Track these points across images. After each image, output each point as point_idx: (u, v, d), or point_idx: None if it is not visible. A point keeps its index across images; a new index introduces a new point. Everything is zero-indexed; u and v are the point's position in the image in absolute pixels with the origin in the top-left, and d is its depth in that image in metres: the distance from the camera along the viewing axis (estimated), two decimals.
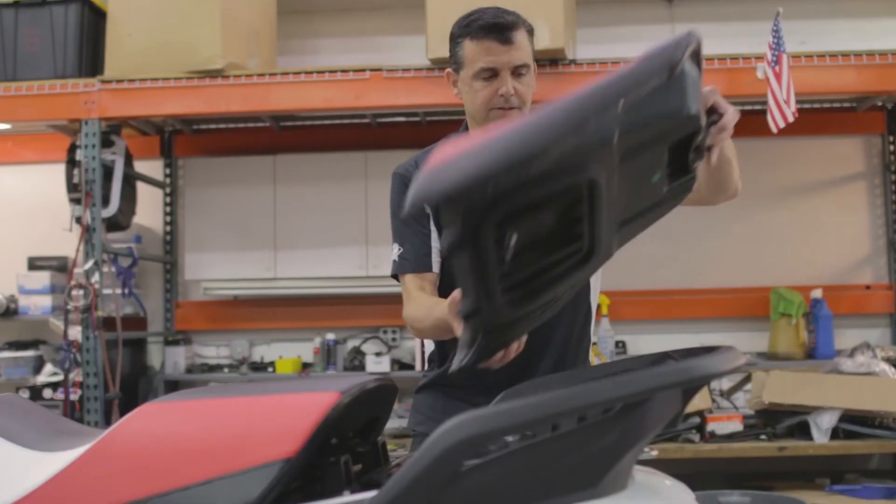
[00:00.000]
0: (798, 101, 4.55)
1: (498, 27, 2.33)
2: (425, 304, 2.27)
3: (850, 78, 4.92)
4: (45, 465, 1.47)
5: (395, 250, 2.45)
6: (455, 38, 2.42)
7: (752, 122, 5.51)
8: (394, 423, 4.65)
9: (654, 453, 1.66)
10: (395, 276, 2.46)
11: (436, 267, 2.41)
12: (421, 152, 2.57)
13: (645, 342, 5.55)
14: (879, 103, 5.74)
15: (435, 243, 2.39)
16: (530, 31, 2.42)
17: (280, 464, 1.35)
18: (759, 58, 4.68)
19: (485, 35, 2.34)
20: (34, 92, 5.07)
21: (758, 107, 5.27)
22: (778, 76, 4.51)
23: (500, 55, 2.33)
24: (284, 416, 1.40)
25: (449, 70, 2.48)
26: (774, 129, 4.56)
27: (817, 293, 5.64)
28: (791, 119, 4.51)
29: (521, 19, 2.39)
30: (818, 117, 5.85)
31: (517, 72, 2.36)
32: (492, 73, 2.35)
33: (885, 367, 5.02)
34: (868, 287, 5.89)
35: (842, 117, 5.92)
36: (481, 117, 2.41)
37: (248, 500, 1.34)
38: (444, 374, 2.46)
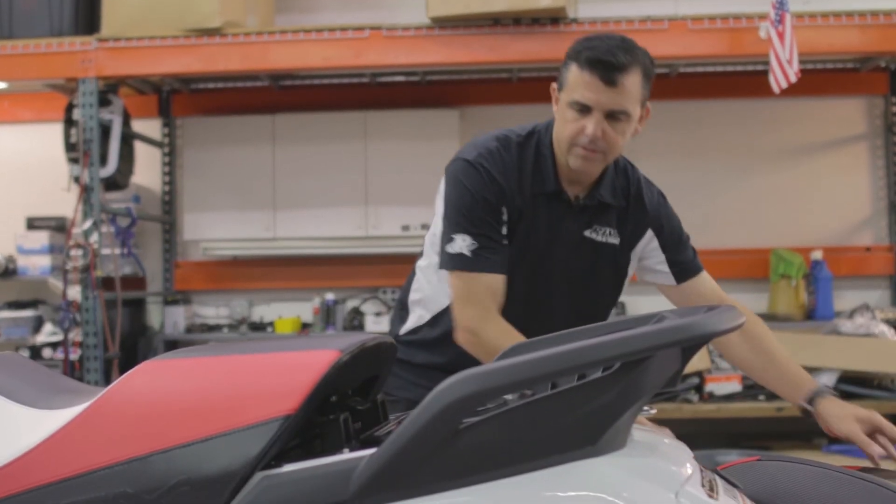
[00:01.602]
0: (800, 62, 4.51)
1: (606, 65, 2.15)
2: (513, 336, 2.11)
3: (853, 38, 4.89)
4: (45, 422, 1.47)
5: (460, 241, 2.24)
6: (567, 57, 2.26)
7: (754, 83, 5.51)
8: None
9: (653, 411, 1.66)
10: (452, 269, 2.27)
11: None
12: (497, 145, 2.33)
13: (644, 303, 5.55)
14: (882, 64, 5.71)
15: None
16: (647, 75, 2.22)
17: (279, 421, 1.34)
18: (762, 17, 4.64)
19: (590, 68, 2.16)
20: (30, 50, 5.04)
21: (760, 67, 5.24)
22: (781, 36, 4.47)
23: (599, 94, 2.17)
24: (284, 373, 1.40)
25: (554, 85, 2.33)
26: (777, 90, 4.53)
27: (817, 255, 5.64)
28: (794, 79, 4.48)
29: (638, 60, 2.19)
30: (820, 78, 5.82)
31: (613, 115, 2.20)
32: (584, 108, 2.20)
33: (884, 328, 5.04)
34: (868, 249, 5.89)
35: (844, 78, 5.89)
36: (564, 147, 2.27)
37: (247, 456, 1.34)
38: (427, 358, 2.43)
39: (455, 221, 2.27)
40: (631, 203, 2.40)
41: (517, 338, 2.10)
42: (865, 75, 5.85)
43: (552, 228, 2.34)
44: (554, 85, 2.33)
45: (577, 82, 2.20)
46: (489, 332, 2.18)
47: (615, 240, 2.38)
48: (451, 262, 2.26)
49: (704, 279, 2.47)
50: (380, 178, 5.65)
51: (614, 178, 2.39)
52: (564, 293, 2.37)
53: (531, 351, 1.50)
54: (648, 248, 2.44)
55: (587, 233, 2.36)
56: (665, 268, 2.44)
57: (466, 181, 2.28)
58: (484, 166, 2.28)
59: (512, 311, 2.22)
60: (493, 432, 1.30)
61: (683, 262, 2.45)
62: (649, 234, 2.42)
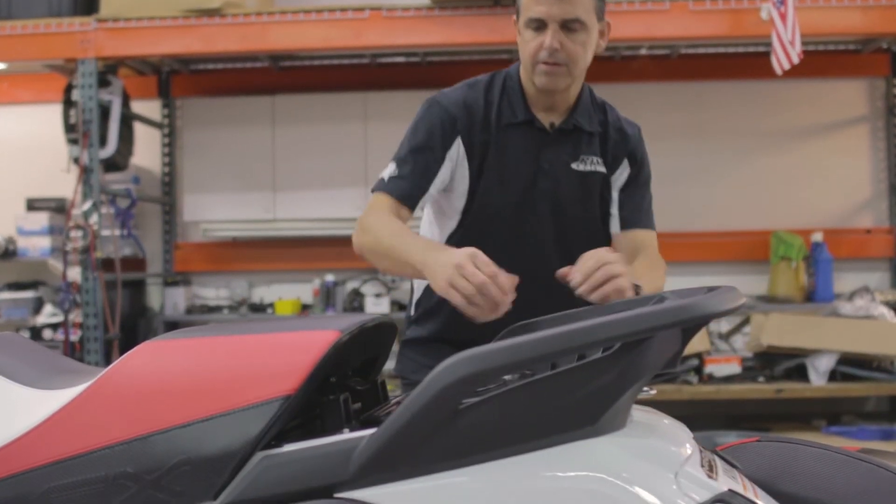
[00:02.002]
0: (802, 43, 4.50)
1: None
2: (397, 228, 2.15)
3: (856, 19, 4.87)
4: (45, 402, 1.47)
5: (389, 168, 2.31)
6: None
7: (756, 64, 5.49)
8: (392, 364, 4.66)
9: (653, 392, 1.66)
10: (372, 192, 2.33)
11: (419, 211, 2.32)
12: (463, 85, 2.38)
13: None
14: (884, 45, 5.69)
15: (438, 182, 2.28)
16: None
17: (279, 401, 1.35)
18: None
19: None
20: (29, 31, 5.02)
21: (762, 48, 5.23)
22: (783, 17, 4.45)
23: (550, 6, 2.19)
24: (284, 353, 1.40)
25: (514, 17, 2.36)
26: (779, 71, 4.52)
27: (818, 237, 5.64)
28: (796, 61, 4.47)
29: None
30: (822, 59, 5.80)
31: (567, 26, 2.20)
32: (539, 24, 2.22)
33: (884, 310, 5.04)
34: (868, 231, 5.89)
35: (846, 59, 5.87)
36: (529, 68, 2.29)
37: (247, 436, 1.34)
38: (431, 329, 2.43)
39: (395, 152, 2.34)
40: (611, 131, 2.39)
41: (396, 223, 2.16)
42: (867, 57, 5.83)
43: (532, 159, 2.32)
44: (514, 17, 2.36)
45: (529, 2, 2.24)
46: (370, 219, 2.22)
47: (602, 168, 2.36)
48: (374, 186, 2.33)
49: (640, 237, 2.40)
50: (380, 159, 5.56)
51: (591, 108, 2.39)
52: (552, 227, 2.34)
53: (531, 332, 1.50)
54: (620, 178, 2.41)
55: (574, 165, 2.34)
56: (615, 210, 2.41)
57: (418, 115, 2.34)
58: (438, 101, 2.32)
59: (500, 247, 2.15)
60: (492, 412, 1.30)
61: (632, 209, 2.41)
62: (625, 163, 2.40)
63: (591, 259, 1.89)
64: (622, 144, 2.39)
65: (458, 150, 2.29)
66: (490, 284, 1.74)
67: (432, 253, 1.93)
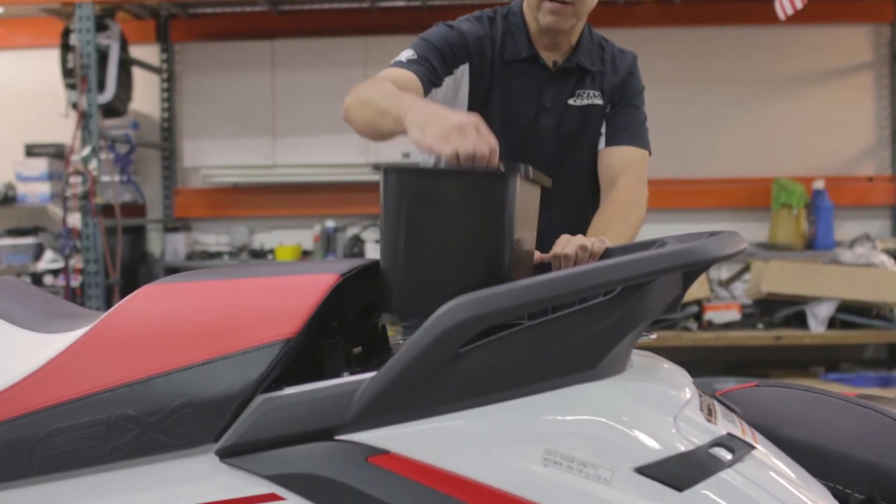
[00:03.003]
0: None
1: None
2: (394, 89, 1.95)
3: None
4: (46, 346, 1.47)
5: (404, 53, 2.21)
6: None
7: (759, 10, 5.43)
8: None
9: (653, 337, 1.66)
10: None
11: (429, 92, 2.20)
12: (468, 18, 2.34)
13: (645, 231, 5.52)
14: None
15: (445, 86, 2.22)
16: None
17: (280, 344, 1.35)
18: None
19: None
20: None
21: None
22: None
23: None
24: (284, 297, 1.40)
25: None
26: (782, 17, 4.47)
27: (819, 184, 5.63)
28: (799, 6, 4.42)
29: None
30: (826, 5, 5.72)
31: None
32: None
33: (884, 258, 5.04)
34: (870, 179, 5.87)
35: (850, 5, 5.81)
36: (534, 7, 2.26)
37: (248, 379, 1.34)
38: None
39: (414, 43, 2.26)
40: (608, 67, 2.37)
41: (391, 87, 1.98)
42: (872, 2, 5.77)
43: (534, 97, 2.31)
44: None
45: None
46: (368, 80, 2.12)
47: (599, 101, 2.35)
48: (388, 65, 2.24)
49: (624, 155, 2.35)
50: None
51: (591, 47, 2.37)
52: (554, 163, 2.28)
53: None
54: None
55: (571, 101, 2.33)
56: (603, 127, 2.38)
57: (430, 31, 2.28)
58: (450, 24, 2.29)
59: None
60: (492, 356, 1.30)
61: (618, 126, 2.37)
62: (622, 91, 2.38)
63: (563, 239, 1.91)
64: (619, 75, 2.37)
65: (464, 74, 2.27)
66: (487, 159, 1.62)
67: (425, 105, 1.76)
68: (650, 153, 2.38)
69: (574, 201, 2.36)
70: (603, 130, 2.37)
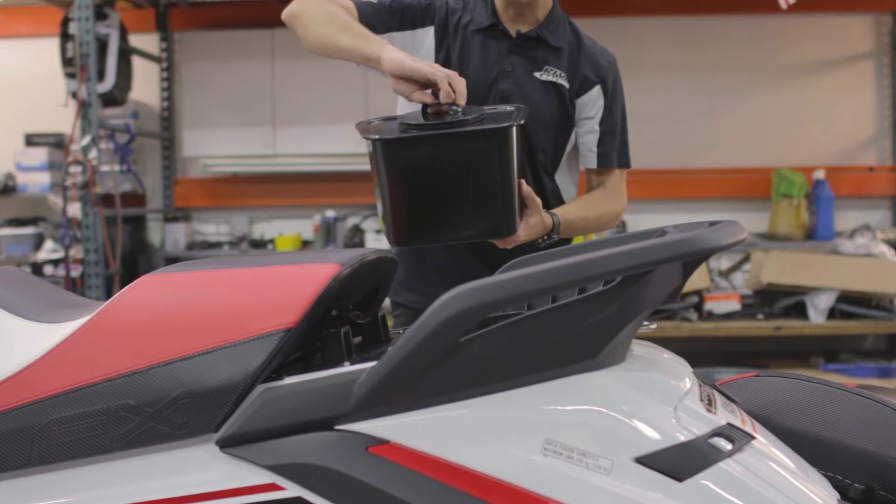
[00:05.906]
0: None
1: None
2: (342, 13, 2.18)
3: None
4: (46, 336, 1.47)
5: None
6: None
7: None
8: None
9: (653, 327, 1.66)
10: None
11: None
12: None
13: (645, 221, 5.55)
14: None
15: (397, 42, 2.27)
16: None
17: (280, 334, 1.35)
18: None
19: None
20: None
21: None
22: None
23: None
24: (285, 286, 1.40)
25: None
26: (784, 6, 4.47)
27: (819, 174, 5.62)
28: None
29: None
30: None
31: None
32: None
33: (885, 248, 5.04)
34: (871, 169, 5.86)
35: None
36: None
37: (248, 369, 1.34)
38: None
39: None
40: (581, 52, 2.39)
41: (347, 16, 2.17)
42: None
43: (495, 62, 2.34)
44: None
45: None
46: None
47: (564, 82, 2.36)
48: None
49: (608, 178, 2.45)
50: (381, 95, 5.57)
51: (561, 26, 2.40)
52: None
53: (532, 265, 1.50)
54: (593, 108, 2.40)
55: (537, 74, 2.35)
56: (594, 138, 2.41)
57: None
58: None
59: None
60: (492, 346, 1.30)
61: (607, 147, 2.43)
62: (597, 90, 2.39)
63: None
64: (592, 70, 2.38)
65: (428, 36, 2.32)
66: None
67: (397, 51, 1.99)
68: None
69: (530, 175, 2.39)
70: (584, 140, 2.41)
